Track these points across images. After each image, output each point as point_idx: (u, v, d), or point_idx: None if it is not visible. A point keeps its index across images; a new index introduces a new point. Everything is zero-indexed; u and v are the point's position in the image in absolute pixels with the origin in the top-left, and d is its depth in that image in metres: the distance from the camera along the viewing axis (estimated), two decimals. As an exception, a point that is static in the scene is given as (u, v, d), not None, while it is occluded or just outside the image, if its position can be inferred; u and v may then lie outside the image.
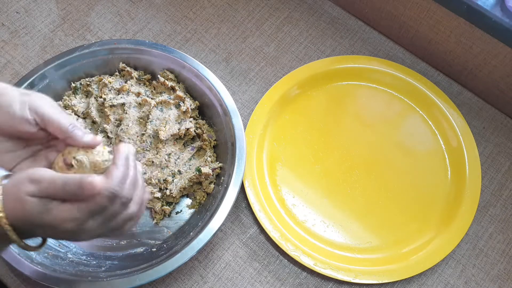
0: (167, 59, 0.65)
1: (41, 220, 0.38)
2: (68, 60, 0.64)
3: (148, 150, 0.62)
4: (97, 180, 0.38)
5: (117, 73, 0.66)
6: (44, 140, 0.46)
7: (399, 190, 0.64)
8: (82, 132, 0.44)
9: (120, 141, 0.62)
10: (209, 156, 0.63)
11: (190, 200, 0.63)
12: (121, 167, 0.41)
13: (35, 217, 0.38)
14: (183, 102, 0.64)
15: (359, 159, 0.66)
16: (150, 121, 0.62)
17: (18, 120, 0.42)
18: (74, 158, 0.43)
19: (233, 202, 0.57)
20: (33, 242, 0.42)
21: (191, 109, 0.64)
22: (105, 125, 0.63)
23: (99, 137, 0.45)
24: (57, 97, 0.65)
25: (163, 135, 0.61)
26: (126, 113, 0.63)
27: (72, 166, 0.42)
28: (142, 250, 0.60)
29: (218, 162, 0.63)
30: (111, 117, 0.63)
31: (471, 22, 0.62)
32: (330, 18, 0.76)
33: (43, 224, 0.38)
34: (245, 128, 0.65)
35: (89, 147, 0.44)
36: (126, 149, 0.42)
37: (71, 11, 0.75)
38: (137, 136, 0.62)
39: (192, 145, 0.64)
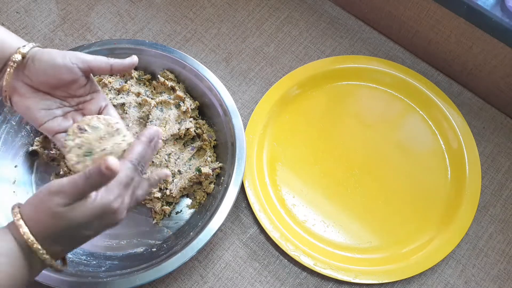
0: (167, 59, 0.65)
1: (86, 217, 0.40)
2: (68, 60, 0.64)
3: (148, 150, 0.62)
4: (111, 160, 0.39)
5: (117, 73, 0.66)
6: (74, 102, 0.52)
7: (399, 190, 0.64)
8: (120, 60, 0.52)
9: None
10: (209, 156, 0.63)
11: (190, 200, 0.63)
12: (143, 144, 0.46)
13: (79, 220, 0.40)
14: (183, 102, 0.64)
15: (359, 159, 0.66)
16: (150, 121, 0.62)
17: (63, 70, 0.48)
18: (87, 124, 0.48)
19: (233, 202, 0.57)
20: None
21: (191, 109, 0.64)
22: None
23: (135, 57, 0.53)
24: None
25: (163, 135, 0.61)
26: (126, 113, 0.63)
27: (85, 130, 0.47)
28: (142, 250, 0.60)
29: (218, 162, 0.63)
30: (111, 117, 0.63)
31: (471, 22, 0.62)
32: (330, 18, 0.76)
33: (88, 220, 0.41)
34: (245, 128, 0.65)
35: (131, 67, 0.53)
36: (153, 131, 0.47)
37: (71, 11, 0.75)
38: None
39: (192, 145, 0.64)
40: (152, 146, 0.47)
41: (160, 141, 0.49)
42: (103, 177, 0.39)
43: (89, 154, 0.47)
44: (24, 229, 0.39)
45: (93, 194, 0.41)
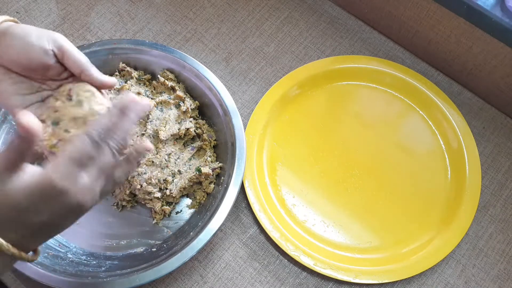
0: (167, 59, 0.65)
1: (25, 195, 0.34)
2: (68, 60, 0.64)
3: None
4: (24, 114, 0.32)
5: (117, 73, 0.66)
6: (54, 85, 0.45)
7: (399, 190, 0.64)
8: (98, 71, 0.44)
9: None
10: (209, 156, 0.63)
11: (190, 200, 0.63)
12: (112, 115, 0.38)
13: (18, 199, 0.34)
14: (183, 102, 0.64)
15: (359, 159, 0.66)
16: (150, 121, 0.62)
17: (36, 50, 0.42)
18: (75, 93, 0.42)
19: (233, 202, 0.57)
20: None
21: (191, 109, 0.64)
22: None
23: (116, 79, 0.45)
24: (57, 97, 0.65)
25: (163, 135, 0.61)
26: (126, 113, 0.63)
27: (71, 99, 0.42)
28: (142, 250, 0.60)
29: (218, 162, 0.63)
30: (111, 117, 0.63)
31: (471, 22, 0.62)
32: (330, 18, 0.76)
33: (30, 200, 0.34)
34: (245, 128, 0.65)
35: (104, 87, 0.44)
36: (128, 98, 0.38)
37: (71, 11, 0.75)
38: (137, 136, 0.62)
39: (192, 145, 0.64)
40: (132, 117, 0.39)
41: (139, 111, 0.39)
42: (22, 139, 0.33)
43: (55, 124, 0.41)
44: None
45: (34, 168, 0.35)
